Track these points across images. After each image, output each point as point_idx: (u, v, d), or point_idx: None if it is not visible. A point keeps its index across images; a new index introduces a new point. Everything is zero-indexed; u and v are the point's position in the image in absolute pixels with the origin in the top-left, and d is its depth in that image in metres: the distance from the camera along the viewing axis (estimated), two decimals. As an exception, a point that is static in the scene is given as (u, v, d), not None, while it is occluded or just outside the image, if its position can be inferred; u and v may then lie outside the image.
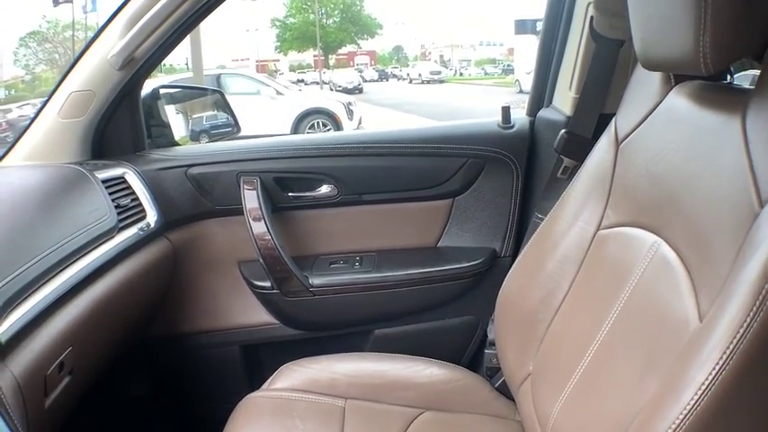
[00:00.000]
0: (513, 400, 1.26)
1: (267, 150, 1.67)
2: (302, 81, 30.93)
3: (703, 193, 0.84)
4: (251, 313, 1.69)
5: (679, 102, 0.98)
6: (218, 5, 1.48)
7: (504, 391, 1.34)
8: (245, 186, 1.61)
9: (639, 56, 0.97)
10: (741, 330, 0.67)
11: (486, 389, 1.37)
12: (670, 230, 0.90)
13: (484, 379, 1.42)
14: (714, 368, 0.68)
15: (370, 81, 33.74)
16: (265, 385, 1.33)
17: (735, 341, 0.67)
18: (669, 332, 0.82)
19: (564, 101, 1.69)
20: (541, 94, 1.79)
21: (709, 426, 0.69)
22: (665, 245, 0.90)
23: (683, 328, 0.79)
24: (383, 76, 37.31)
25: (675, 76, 1.02)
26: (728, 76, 0.99)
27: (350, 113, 11.38)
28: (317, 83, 30.53)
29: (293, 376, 1.32)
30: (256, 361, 1.75)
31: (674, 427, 0.70)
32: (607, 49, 1.54)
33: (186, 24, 1.51)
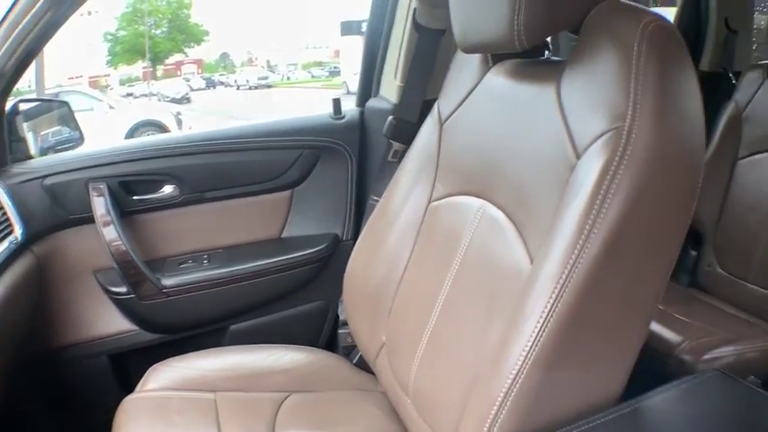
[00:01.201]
0: (373, 374, 1.34)
1: (112, 155, 1.65)
2: (131, 95, 29.48)
3: (524, 156, 0.98)
4: (113, 322, 1.67)
5: (497, 80, 1.12)
6: (71, 14, 1.44)
7: (364, 367, 1.42)
8: (93, 193, 1.59)
9: (458, 41, 1.08)
10: (570, 262, 0.82)
11: (345, 366, 1.45)
12: (495, 193, 1.04)
13: (342, 357, 1.50)
14: (550, 298, 0.82)
15: (197, 90, 32.75)
16: (138, 388, 1.33)
17: (566, 272, 0.82)
18: (505, 279, 0.95)
19: (390, 90, 1.82)
20: (369, 85, 1.90)
21: (551, 350, 0.82)
22: (491, 206, 1.04)
23: (518, 273, 0.92)
24: (210, 84, 36.32)
25: (493, 56, 1.15)
26: (546, 52, 1.13)
27: (179, 123, 11.53)
28: (146, 95, 29.29)
29: (162, 377, 1.34)
30: (125, 369, 1.73)
31: (521, 358, 0.83)
32: (429, 39, 1.69)
33: (43, 37, 1.45)
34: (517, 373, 0.83)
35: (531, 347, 0.82)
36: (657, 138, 0.82)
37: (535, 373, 0.83)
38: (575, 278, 0.81)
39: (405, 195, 1.27)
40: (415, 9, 1.70)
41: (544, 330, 0.82)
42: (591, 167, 0.83)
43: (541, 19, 0.92)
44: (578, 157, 0.87)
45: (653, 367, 1.33)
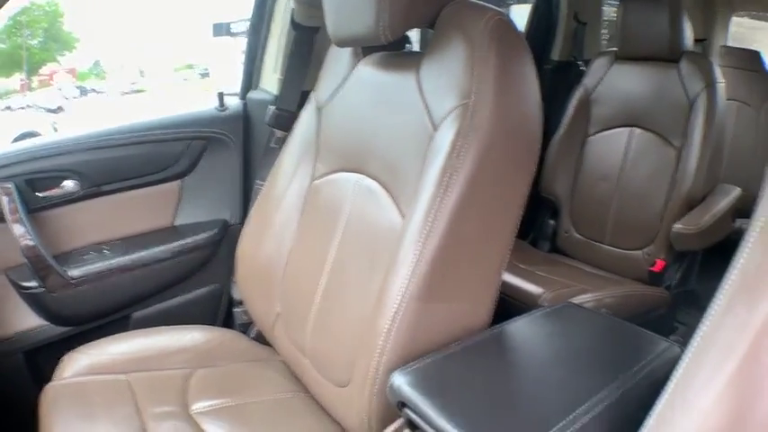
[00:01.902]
0: (271, 346, 1.44)
1: (17, 155, 1.67)
2: (9, 108, 27.44)
3: (392, 133, 1.15)
4: (25, 319, 1.69)
5: (366, 70, 1.27)
6: None
7: (260, 340, 1.52)
8: (0, 192, 1.61)
9: (332, 36, 1.22)
10: (433, 212, 0.99)
11: (243, 340, 1.54)
12: (369, 167, 1.19)
13: (239, 332, 1.59)
14: (418, 243, 0.99)
15: (71, 98, 30.96)
16: (55, 377, 1.37)
17: (430, 220, 0.99)
18: (382, 236, 1.10)
19: (270, 82, 1.97)
20: (251, 78, 2.03)
21: (424, 286, 0.98)
22: (366, 178, 1.19)
23: (392, 229, 1.08)
24: (84, 92, 34.43)
25: (363, 50, 1.31)
26: (407, 45, 1.30)
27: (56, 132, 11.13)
28: (23, 107, 27.37)
29: (76, 364, 1.38)
30: (40, 363, 1.73)
31: (399, 295, 0.99)
32: (305, 36, 1.86)
33: None
34: (397, 309, 0.98)
35: (406, 286, 0.98)
36: (496, 110, 1.00)
37: (412, 306, 0.98)
38: (437, 224, 0.98)
39: (288, 177, 1.39)
40: (292, 9, 1.85)
41: (416, 270, 0.98)
42: (445, 136, 1.00)
43: (402, 16, 1.08)
44: (435, 129, 1.04)
45: None
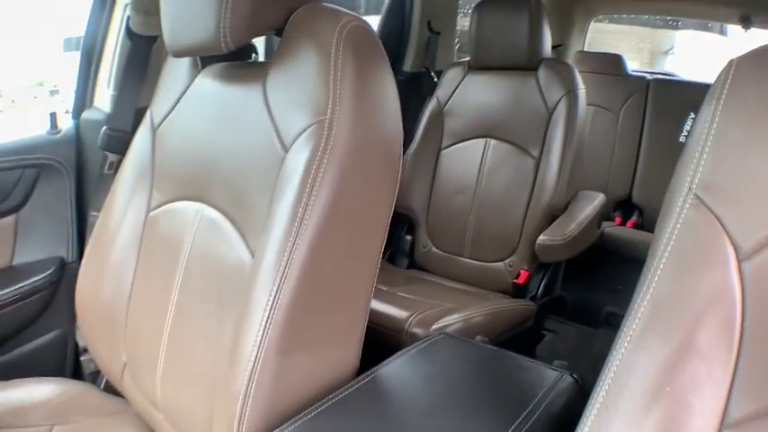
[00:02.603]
0: (123, 396, 1.29)
1: None
2: None
3: (236, 155, 1.02)
4: None
5: (206, 83, 1.14)
6: None
7: (113, 390, 1.36)
8: None
9: (168, 46, 1.08)
10: (288, 249, 0.87)
11: (94, 393, 1.37)
12: (211, 195, 1.06)
13: (90, 384, 1.43)
14: (273, 286, 0.86)
15: None
16: None
17: (284, 260, 0.86)
18: (230, 276, 0.97)
19: (104, 100, 1.78)
20: (84, 96, 1.83)
21: (281, 336, 0.87)
22: (208, 208, 1.06)
23: (240, 268, 0.95)
24: (-68, 118, 32.34)
25: (202, 60, 1.17)
26: (253, 55, 1.16)
27: None
28: None
29: None
30: None
31: (255, 348, 0.86)
32: (141, 46, 1.68)
33: None
34: (253, 366, 0.86)
35: (261, 337, 0.85)
36: (356, 127, 0.90)
37: (270, 361, 0.86)
38: (293, 264, 0.86)
39: (123, 208, 1.23)
40: (128, 17, 1.68)
41: (271, 318, 0.85)
42: (298, 159, 0.89)
43: (246, 21, 0.95)
44: (286, 150, 0.92)
45: (388, 345, 1.42)
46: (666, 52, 6.70)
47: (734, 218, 0.65)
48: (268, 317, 0.86)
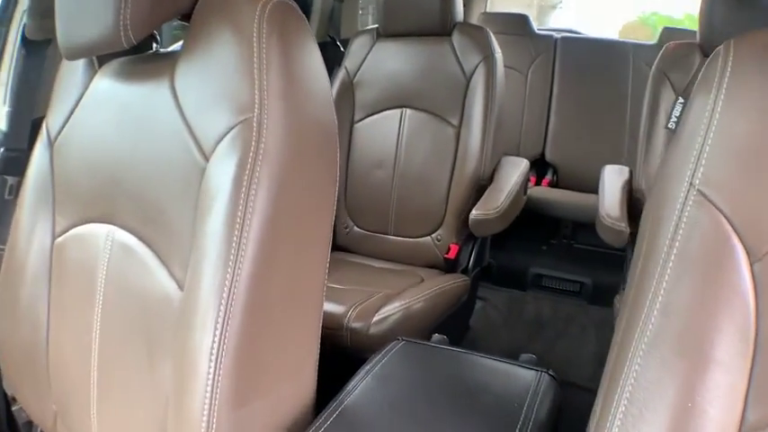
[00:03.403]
0: None
1: None
2: None
3: (146, 167, 0.86)
4: None
5: (104, 83, 0.98)
6: None
7: None
8: None
9: (62, 47, 0.93)
10: (227, 283, 0.74)
11: None
12: (120, 215, 0.90)
13: None
14: (216, 329, 0.74)
15: None
16: None
17: (225, 298, 0.74)
18: (156, 312, 0.83)
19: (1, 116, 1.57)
20: None
21: (234, 385, 0.75)
22: (119, 230, 0.90)
23: (167, 303, 0.82)
24: None
25: (99, 59, 1.01)
26: (155, 45, 1.00)
27: None
28: None
29: None
30: None
31: (206, 402, 0.74)
32: (35, 52, 1.50)
33: None
34: (208, 422, 0.74)
35: (212, 392, 0.74)
36: (290, 122, 0.78)
37: (225, 417, 0.74)
38: (237, 300, 0.74)
39: (28, 237, 1.06)
40: (24, 24, 1.49)
41: (220, 368, 0.73)
42: (223, 170, 0.76)
43: (149, 9, 0.82)
44: (206, 158, 0.78)
45: (331, 346, 1.33)
46: (554, 6, 6.80)
47: (743, 216, 0.60)
48: (216, 367, 0.74)
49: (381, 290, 1.71)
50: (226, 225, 0.74)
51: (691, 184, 0.63)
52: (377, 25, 2.13)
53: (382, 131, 2.07)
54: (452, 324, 1.83)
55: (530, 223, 2.48)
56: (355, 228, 2.12)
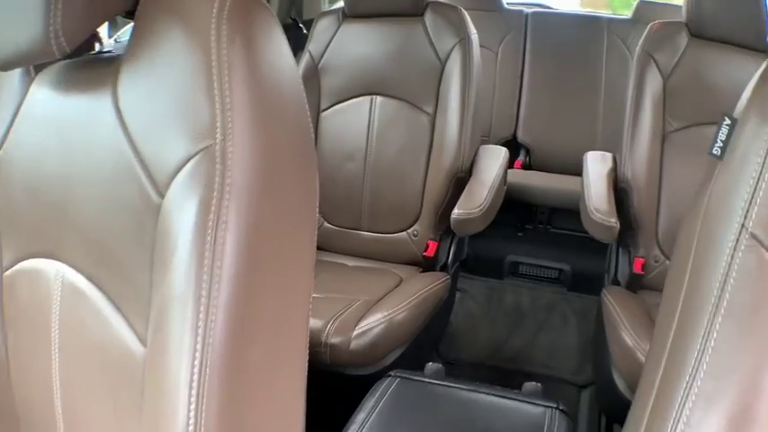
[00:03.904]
0: None
1: None
2: None
3: (91, 195, 0.72)
4: None
5: (42, 93, 0.81)
6: None
7: None
8: None
9: None
10: (199, 342, 0.61)
11: None
12: (69, 251, 0.76)
13: None
14: (192, 403, 0.61)
15: None
16: None
17: (198, 358, 0.61)
18: (119, 367, 0.71)
19: None
20: None
21: None
22: (70, 270, 0.76)
23: (131, 358, 0.69)
24: None
25: (35, 65, 0.85)
26: (97, 45, 0.84)
27: None
28: None
29: None
30: None
31: None
32: None
33: None
34: None
35: None
36: (261, 146, 0.64)
37: None
38: (212, 368, 0.61)
39: None
40: None
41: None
42: (182, 211, 0.62)
43: (82, 11, 0.67)
44: (161, 194, 0.64)
45: (310, 363, 1.22)
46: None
47: None
48: None
49: (359, 296, 1.59)
50: (189, 284, 0.61)
51: (742, 225, 0.54)
52: (342, 5, 1.98)
53: (351, 121, 1.94)
54: (434, 325, 1.72)
55: (505, 209, 2.38)
56: (326, 224, 1.99)
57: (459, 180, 1.81)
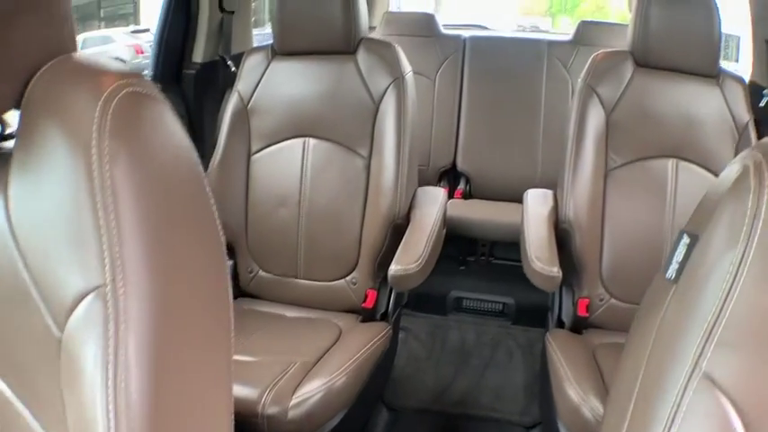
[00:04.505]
0: None
1: None
2: None
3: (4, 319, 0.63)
4: None
5: None
6: None
7: None
8: None
9: None
10: None
11: None
12: None
13: None
14: None
15: None
16: None
17: None
18: None
19: None
20: None
21: None
22: None
23: None
24: None
25: None
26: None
27: None
28: None
29: None
30: None
31: None
32: None
33: None
34: None
35: None
36: (156, 273, 0.56)
37: None
38: None
39: None
40: None
41: None
42: (82, 351, 0.55)
43: None
44: (61, 329, 0.56)
45: None
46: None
47: (755, 409, 0.46)
48: None
49: (296, 357, 1.50)
50: (97, 410, 0.54)
51: (695, 365, 0.48)
52: (272, 41, 1.89)
53: (283, 164, 1.85)
54: (377, 379, 1.65)
55: (446, 242, 2.33)
56: (261, 272, 1.89)
57: (397, 227, 1.73)
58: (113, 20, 10.81)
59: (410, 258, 1.60)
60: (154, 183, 0.57)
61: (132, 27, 9.99)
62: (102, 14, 10.88)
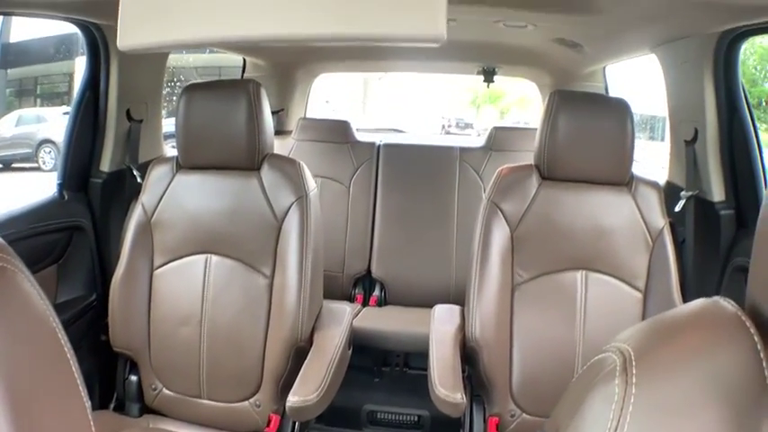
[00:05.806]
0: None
1: None
2: None
3: None
4: None
5: None
6: None
7: None
8: None
9: None
10: None
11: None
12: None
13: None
14: None
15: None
16: None
17: None
18: None
19: None
20: None
21: None
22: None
23: None
24: None
25: None
26: None
27: None
28: None
29: None
30: None
31: None
32: None
33: None
34: None
35: None
36: None
37: None
38: None
39: None
40: None
41: None
42: None
43: None
44: None
45: None
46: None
47: None
48: None
49: None
50: None
51: None
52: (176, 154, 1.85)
53: (186, 281, 1.79)
54: None
55: (360, 352, 2.27)
56: (165, 390, 1.80)
57: (299, 350, 1.68)
58: (51, 98, 10.62)
59: (309, 389, 1.52)
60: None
61: (65, 108, 9.85)
62: (38, 91, 10.71)
